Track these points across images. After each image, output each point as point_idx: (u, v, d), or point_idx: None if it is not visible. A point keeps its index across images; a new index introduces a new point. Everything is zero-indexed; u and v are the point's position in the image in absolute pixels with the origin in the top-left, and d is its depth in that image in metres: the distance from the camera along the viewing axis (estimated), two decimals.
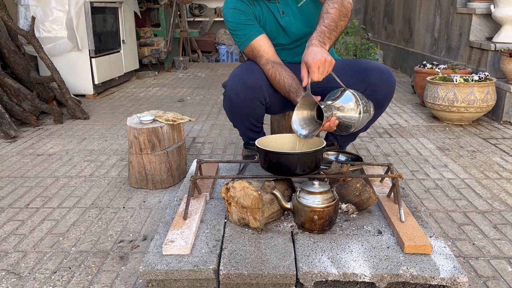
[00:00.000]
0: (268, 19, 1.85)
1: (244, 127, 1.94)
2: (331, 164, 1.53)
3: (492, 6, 3.34)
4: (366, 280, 1.17)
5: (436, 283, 1.17)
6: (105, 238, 1.61)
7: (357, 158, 1.80)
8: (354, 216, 1.48)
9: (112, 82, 4.44)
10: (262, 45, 1.80)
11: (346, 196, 1.49)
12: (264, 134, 1.97)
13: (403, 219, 1.38)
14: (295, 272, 1.18)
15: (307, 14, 1.85)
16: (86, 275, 1.38)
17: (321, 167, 1.52)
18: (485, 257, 1.48)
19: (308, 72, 1.46)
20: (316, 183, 1.36)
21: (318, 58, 1.43)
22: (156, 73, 5.35)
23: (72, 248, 1.54)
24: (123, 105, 3.74)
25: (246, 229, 1.40)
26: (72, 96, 3.38)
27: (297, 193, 1.38)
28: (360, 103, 1.57)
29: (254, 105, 1.81)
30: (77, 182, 2.12)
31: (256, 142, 1.48)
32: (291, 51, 1.92)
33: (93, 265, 1.43)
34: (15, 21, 3.71)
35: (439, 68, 3.46)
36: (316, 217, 1.32)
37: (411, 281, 1.17)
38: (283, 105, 1.95)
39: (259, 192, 1.34)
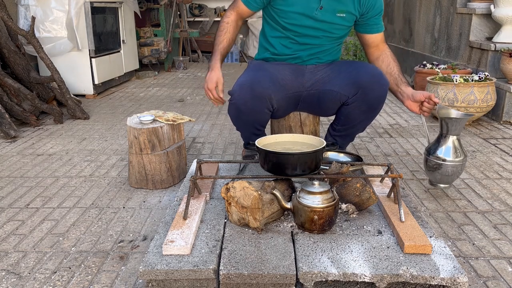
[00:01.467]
0: (301, 1, 1.81)
1: (248, 132, 1.95)
2: (331, 164, 1.53)
3: (492, 6, 3.34)
4: (366, 280, 1.17)
5: (436, 283, 1.17)
6: (105, 238, 1.61)
7: (357, 158, 1.80)
8: (354, 216, 1.48)
9: (112, 82, 4.44)
10: (241, 9, 1.90)
11: (346, 196, 1.49)
12: (264, 135, 1.97)
13: (403, 219, 1.38)
14: (295, 272, 1.18)
15: (337, 26, 1.85)
16: (86, 275, 1.38)
17: (321, 167, 1.52)
18: (485, 257, 1.48)
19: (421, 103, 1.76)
20: (316, 183, 1.36)
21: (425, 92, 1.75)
22: (156, 73, 5.35)
23: (72, 248, 1.54)
24: (123, 105, 3.74)
25: (246, 229, 1.40)
26: (72, 96, 3.38)
27: (297, 193, 1.38)
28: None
29: (262, 113, 1.82)
30: (77, 182, 2.12)
31: (256, 142, 1.48)
32: (299, 45, 1.91)
33: (93, 265, 1.43)
34: (15, 21, 3.71)
35: (439, 68, 3.46)
36: (316, 217, 1.32)
37: (411, 281, 1.17)
38: (286, 108, 1.95)
39: (259, 192, 1.34)
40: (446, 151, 1.79)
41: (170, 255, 1.25)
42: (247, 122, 1.88)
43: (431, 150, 1.83)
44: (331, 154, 1.83)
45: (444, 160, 1.79)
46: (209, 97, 1.80)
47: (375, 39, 1.92)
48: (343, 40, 1.98)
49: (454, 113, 1.77)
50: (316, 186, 1.35)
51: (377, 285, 1.18)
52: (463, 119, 1.75)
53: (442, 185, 1.89)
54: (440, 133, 1.83)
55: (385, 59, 1.91)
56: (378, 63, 1.93)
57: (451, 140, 1.79)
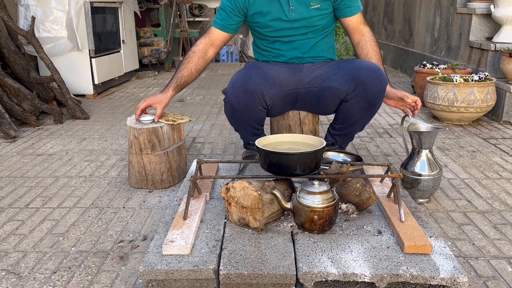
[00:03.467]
0: (275, 8, 1.85)
1: (246, 131, 1.95)
2: (331, 164, 1.53)
3: (492, 6, 3.34)
4: (366, 280, 1.17)
5: (436, 283, 1.17)
6: (105, 238, 1.61)
7: (357, 158, 1.80)
8: (354, 216, 1.48)
9: (112, 82, 4.44)
10: (215, 35, 1.95)
11: (346, 196, 1.49)
12: (264, 135, 1.97)
13: (403, 219, 1.38)
14: (295, 272, 1.18)
15: (315, 18, 1.87)
16: (86, 275, 1.38)
17: (321, 167, 1.52)
18: (485, 257, 1.48)
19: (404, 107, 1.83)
20: (316, 183, 1.36)
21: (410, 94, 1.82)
22: (156, 73, 5.35)
23: (72, 248, 1.54)
24: (123, 105, 3.74)
25: (246, 229, 1.40)
26: (72, 96, 3.38)
27: (297, 193, 1.38)
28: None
29: (256, 109, 1.82)
30: (77, 182, 2.12)
31: (256, 142, 1.48)
32: (289, 45, 1.93)
33: (93, 265, 1.43)
34: (15, 21, 3.71)
35: (439, 68, 3.46)
36: (316, 217, 1.32)
37: (411, 281, 1.17)
38: (283, 106, 1.96)
39: (259, 192, 1.34)
40: (421, 166, 1.78)
41: (170, 255, 1.25)
42: (243, 120, 1.89)
43: (405, 166, 1.83)
44: (331, 154, 1.83)
45: (420, 175, 1.78)
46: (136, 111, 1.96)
47: (350, 22, 1.92)
48: (332, 29, 1.99)
49: (423, 127, 1.76)
50: (316, 186, 1.35)
51: (377, 285, 1.18)
52: (434, 133, 1.74)
53: (421, 200, 1.86)
54: (412, 148, 1.82)
55: (364, 47, 1.91)
56: (358, 51, 1.94)
57: (424, 154, 1.78)
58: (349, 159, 1.81)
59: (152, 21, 6.20)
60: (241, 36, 6.85)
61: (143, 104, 1.93)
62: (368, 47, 1.90)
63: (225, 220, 1.46)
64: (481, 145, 2.64)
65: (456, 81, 2.95)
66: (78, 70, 3.93)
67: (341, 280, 1.18)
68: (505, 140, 2.75)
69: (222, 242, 1.33)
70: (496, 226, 1.68)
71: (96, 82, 4.01)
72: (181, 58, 5.75)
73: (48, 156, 2.48)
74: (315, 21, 1.87)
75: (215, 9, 7.15)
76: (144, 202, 1.90)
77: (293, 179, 1.60)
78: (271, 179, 1.50)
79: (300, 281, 1.18)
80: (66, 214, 1.80)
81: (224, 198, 1.42)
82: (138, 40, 5.30)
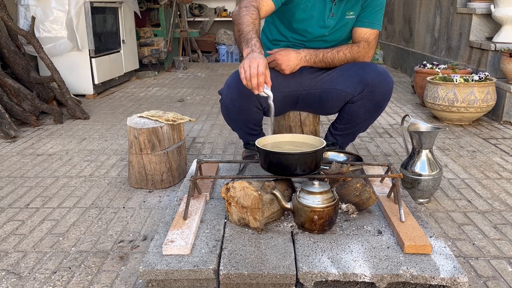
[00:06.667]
0: (317, 11, 1.82)
1: (243, 131, 1.95)
2: (331, 164, 1.53)
3: (492, 6, 3.34)
4: (366, 280, 1.17)
5: (436, 283, 1.17)
6: (105, 238, 1.61)
7: (357, 158, 1.80)
8: (354, 216, 1.47)
9: (112, 82, 4.44)
10: (265, 3, 1.70)
11: (346, 196, 1.49)
12: (263, 135, 1.97)
13: (403, 219, 1.38)
14: (295, 272, 1.18)
15: (345, 28, 1.87)
16: (86, 275, 1.38)
17: (321, 167, 1.52)
18: (485, 257, 1.48)
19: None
20: (316, 183, 1.36)
21: (288, 60, 1.81)
22: (156, 73, 5.35)
23: (72, 248, 1.54)
24: (123, 105, 3.74)
25: (246, 229, 1.40)
26: (72, 96, 3.38)
27: (297, 193, 1.38)
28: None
29: (251, 111, 1.82)
30: (77, 182, 2.12)
31: (256, 142, 1.48)
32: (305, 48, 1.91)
33: (93, 265, 1.43)
34: (15, 21, 3.71)
35: (439, 68, 3.46)
36: (316, 217, 1.32)
37: (411, 281, 1.17)
38: (282, 107, 1.95)
39: (259, 192, 1.34)
40: (422, 166, 1.78)
41: (170, 255, 1.25)
42: (239, 121, 1.89)
43: (405, 166, 1.83)
44: (331, 154, 1.83)
45: (420, 175, 1.78)
46: (251, 81, 1.45)
47: (355, 31, 1.88)
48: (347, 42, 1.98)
49: (423, 127, 1.76)
50: (316, 186, 1.35)
51: (377, 285, 1.18)
52: (434, 133, 1.74)
53: (421, 200, 1.86)
54: (412, 148, 1.82)
55: (343, 45, 1.88)
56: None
57: (424, 154, 1.79)
58: (349, 159, 1.81)
59: (152, 21, 6.20)
60: None
61: (267, 72, 1.45)
62: (347, 45, 1.87)
63: (225, 220, 1.46)
64: (481, 145, 2.64)
65: (456, 81, 2.95)
66: (78, 70, 3.93)
67: (341, 280, 1.18)
68: (505, 140, 2.75)
69: (222, 242, 1.33)
70: (496, 226, 1.68)
71: (96, 82, 4.01)
72: (181, 58, 5.76)
73: (48, 156, 2.48)
74: (343, 32, 1.87)
75: (215, 9, 7.15)
76: (144, 202, 1.90)
77: (293, 179, 1.60)
78: (271, 179, 1.50)
79: (300, 281, 1.18)
80: (66, 214, 1.80)
81: (224, 198, 1.42)
82: (138, 40, 5.30)
